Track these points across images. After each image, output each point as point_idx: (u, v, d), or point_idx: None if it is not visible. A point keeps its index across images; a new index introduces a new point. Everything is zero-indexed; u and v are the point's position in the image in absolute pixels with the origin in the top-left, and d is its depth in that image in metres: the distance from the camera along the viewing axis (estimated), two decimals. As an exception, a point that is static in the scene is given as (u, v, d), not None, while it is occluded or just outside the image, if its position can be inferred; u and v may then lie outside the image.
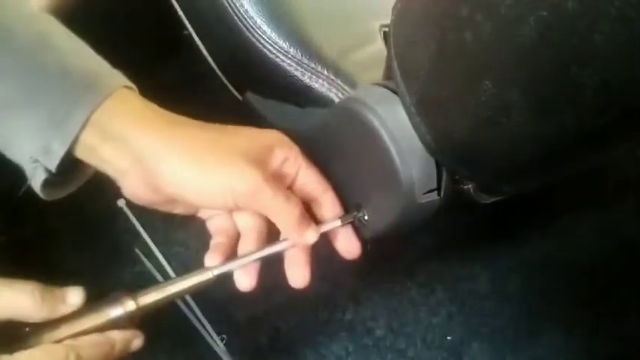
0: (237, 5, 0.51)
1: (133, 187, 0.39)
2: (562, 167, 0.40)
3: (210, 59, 0.59)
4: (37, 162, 0.37)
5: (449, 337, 0.71)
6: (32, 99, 0.36)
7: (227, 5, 0.51)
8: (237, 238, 0.43)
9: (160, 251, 0.71)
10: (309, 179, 0.42)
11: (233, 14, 0.51)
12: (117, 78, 0.38)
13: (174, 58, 0.74)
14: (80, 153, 0.37)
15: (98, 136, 0.36)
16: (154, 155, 0.37)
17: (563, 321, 0.73)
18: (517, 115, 0.31)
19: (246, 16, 0.51)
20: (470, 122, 0.34)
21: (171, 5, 0.59)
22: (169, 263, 0.70)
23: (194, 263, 0.70)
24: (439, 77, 0.35)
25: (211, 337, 0.66)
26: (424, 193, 0.39)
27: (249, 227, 0.42)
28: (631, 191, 0.83)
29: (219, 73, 0.59)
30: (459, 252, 0.77)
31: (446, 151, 0.37)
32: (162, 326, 0.66)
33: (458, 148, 0.36)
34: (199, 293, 0.67)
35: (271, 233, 0.42)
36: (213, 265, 0.40)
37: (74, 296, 0.37)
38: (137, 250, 0.71)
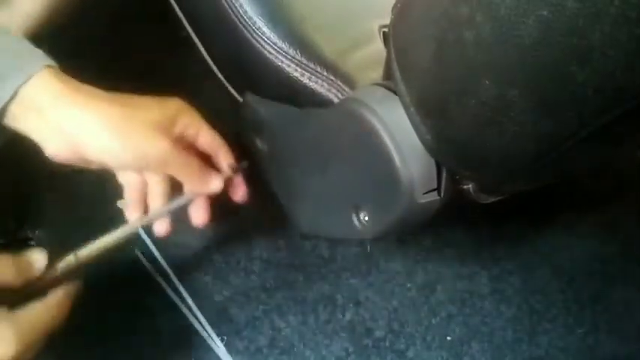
0: (237, 6, 0.51)
1: (55, 151, 0.45)
2: (562, 167, 0.40)
3: (209, 60, 0.59)
4: None
5: (449, 337, 0.71)
6: None
7: (226, 6, 0.51)
8: (146, 188, 0.51)
9: (159, 251, 0.70)
10: (208, 138, 0.52)
11: (232, 15, 0.51)
12: (41, 58, 0.45)
13: (173, 60, 0.74)
14: (8, 120, 0.44)
15: (24, 107, 0.43)
16: (75, 127, 0.44)
17: (563, 321, 0.73)
18: (517, 115, 0.31)
19: (245, 17, 0.51)
20: (470, 122, 0.34)
21: (170, 6, 0.59)
22: (168, 263, 0.70)
23: (193, 263, 0.70)
24: (439, 77, 0.35)
25: (211, 339, 0.66)
26: (424, 193, 0.39)
27: (156, 180, 0.51)
28: (630, 191, 0.83)
29: (219, 74, 0.59)
30: (459, 252, 0.77)
31: (446, 151, 0.37)
32: (161, 328, 0.66)
33: (458, 148, 0.36)
34: (198, 295, 0.68)
35: (174, 183, 0.51)
36: (134, 219, 0.51)
37: (40, 260, 0.45)
38: (136, 251, 0.70)
